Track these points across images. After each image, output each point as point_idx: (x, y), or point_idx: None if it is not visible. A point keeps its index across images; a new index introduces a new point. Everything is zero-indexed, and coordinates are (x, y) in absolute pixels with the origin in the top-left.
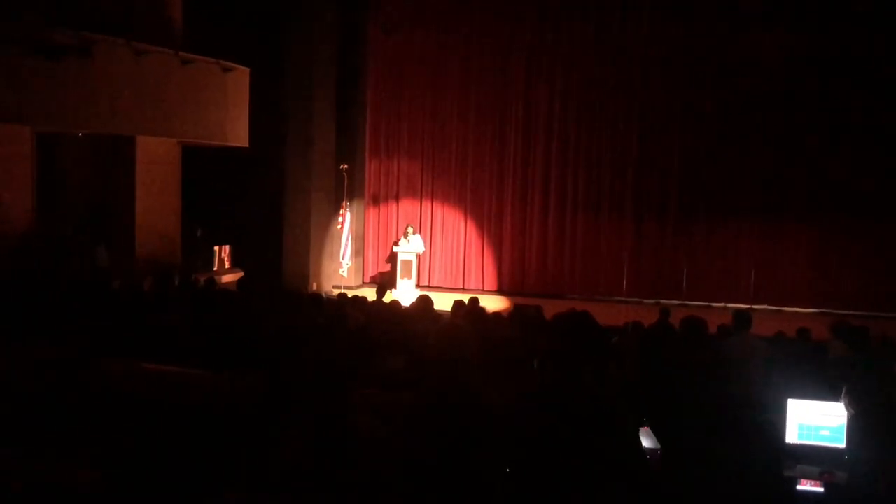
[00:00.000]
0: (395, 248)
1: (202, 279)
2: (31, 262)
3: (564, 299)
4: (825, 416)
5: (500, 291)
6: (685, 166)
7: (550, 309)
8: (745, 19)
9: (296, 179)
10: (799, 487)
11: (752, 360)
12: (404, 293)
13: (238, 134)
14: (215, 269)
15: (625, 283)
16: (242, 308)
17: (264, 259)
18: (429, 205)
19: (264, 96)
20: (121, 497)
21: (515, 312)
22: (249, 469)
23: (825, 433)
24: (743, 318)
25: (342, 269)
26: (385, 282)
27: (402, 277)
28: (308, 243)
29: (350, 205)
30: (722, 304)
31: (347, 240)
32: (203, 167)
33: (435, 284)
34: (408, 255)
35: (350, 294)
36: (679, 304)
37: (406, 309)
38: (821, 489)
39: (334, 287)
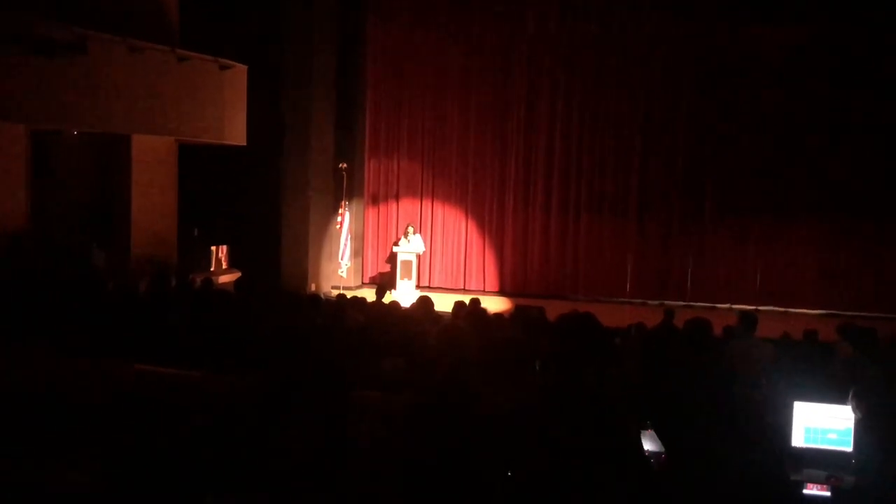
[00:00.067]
0: (395, 249)
1: (199, 279)
2: (26, 262)
3: (567, 300)
4: (832, 420)
5: (501, 292)
6: (689, 165)
7: (553, 310)
8: (748, 19)
9: (294, 178)
10: (805, 491)
11: (758, 363)
12: (404, 294)
13: (235, 132)
14: (212, 269)
15: (628, 283)
16: (240, 309)
17: (262, 259)
18: (429, 204)
19: (262, 94)
20: (119, 498)
21: (517, 313)
22: (249, 470)
23: (832, 436)
24: (749, 320)
25: (341, 270)
26: (385, 282)
27: (401, 278)
28: (307, 243)
29: (349, 204)
30: (727, 306)
31: (346, 240)
32: (200, 166)
33: (435, 285)
34: (408, 255)
35: (349, 295)
36: (683, 306)
37: (406, 310)
38: (827, 493)
39: (333, 287)
